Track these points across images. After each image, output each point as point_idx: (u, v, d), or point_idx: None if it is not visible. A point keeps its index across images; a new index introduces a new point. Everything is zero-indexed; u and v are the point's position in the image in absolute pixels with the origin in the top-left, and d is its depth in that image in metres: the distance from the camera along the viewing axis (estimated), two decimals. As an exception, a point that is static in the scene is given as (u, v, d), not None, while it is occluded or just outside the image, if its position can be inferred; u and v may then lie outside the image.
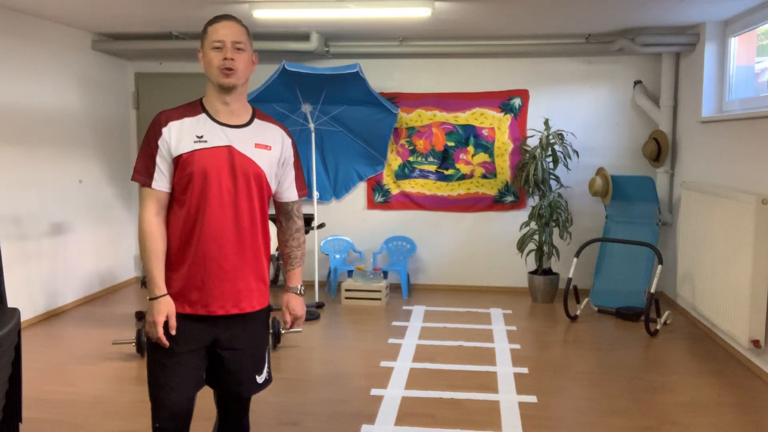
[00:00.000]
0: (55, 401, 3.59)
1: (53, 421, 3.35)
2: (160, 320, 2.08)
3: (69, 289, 5.57)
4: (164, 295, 2.11)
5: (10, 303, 4.88)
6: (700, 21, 5.08)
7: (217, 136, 2.11)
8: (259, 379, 2.28)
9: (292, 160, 2.28)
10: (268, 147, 2.18)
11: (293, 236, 2.33)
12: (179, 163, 2.08)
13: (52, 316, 5.31)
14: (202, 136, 2.09)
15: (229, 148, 2.11)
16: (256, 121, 2.20)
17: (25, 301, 5.03)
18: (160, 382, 2.13)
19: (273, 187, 2.24)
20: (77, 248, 5.66)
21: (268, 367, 2.33)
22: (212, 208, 2.09)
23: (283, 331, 4.75)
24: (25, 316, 5.03)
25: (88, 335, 4.80)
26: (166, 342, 2.09)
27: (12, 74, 4.85)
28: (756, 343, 4.00)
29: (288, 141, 2.26)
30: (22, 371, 3.98)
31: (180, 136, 2.08)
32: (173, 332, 2.11)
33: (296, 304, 2.34)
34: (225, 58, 2.07)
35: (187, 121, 2.11)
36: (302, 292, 2.36)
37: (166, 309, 2.09)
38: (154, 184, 2.09)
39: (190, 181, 2.08)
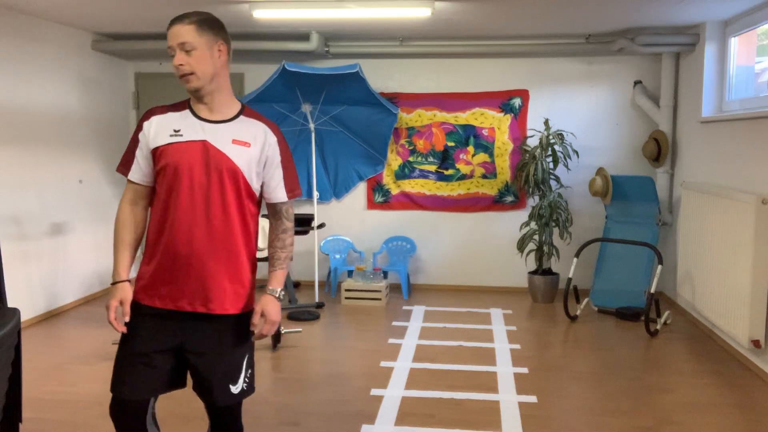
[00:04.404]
0: (55, 401, 3.59)
1: (53, 421, 3.35)
2: (113, 305, 2.10)
3: (69, 289, 5.57)
4: (121, 282, 2.13)
5: (10, 303, 4.88)
6: (700, 21, 5.08)
7: (193, 131, 2.10)
8: (234, 389, 2.16)
9: (277, 159, 2.19)
10: (246, 144, 2.12)
11: (278, 237, 2.24)
12: (155, 156, 2.11)
13: (52, 316, 5.31)
14: (179, 131, 2.10)
15: (204, 143, 2.09)
16: (241, 117, 2.16)
17: (25, 301, 5.03)
18: (120, 377, 2.13)
19: (255, 186, 2.16)
20: (77, 248, 5.66)
21: (248, 378, 2.20)
22: (182, 202, 2.08)
23: (283, 331, 4.74)
24: (25, 316, 5.03)
25: (88, 335, 4.79)
26: (117, 327, 2.10)
27: (12, 74, 4.85)
28: (756, 343, 4.00)
29: (272, 139, 2.17)
30: (22, 371, 3.98)
31: (158, 130, 2.11)
32: (126, 318, 2.12)
33: (272, 309, 2.18)
34: (175, 65, 2.07)
35: (170, 116, 2.14)
36: (281, 296, 2.22)
37: (120, 295, 2.12)
38: (131, 176, 2.15)
39: (164, 174, 2.10)
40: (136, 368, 2.12)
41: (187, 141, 2.09)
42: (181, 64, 2.05)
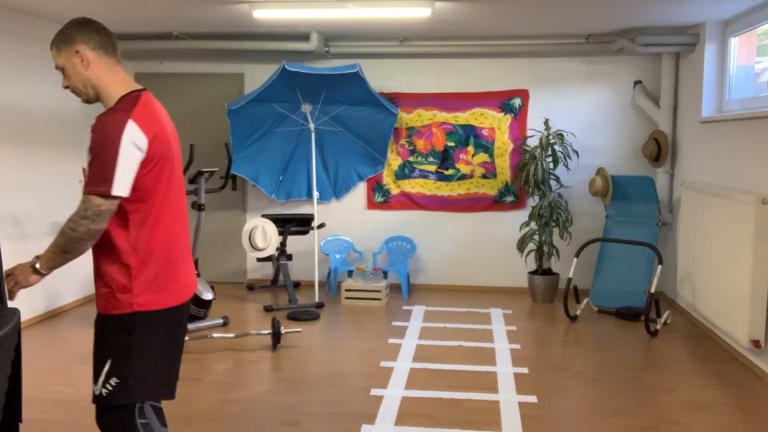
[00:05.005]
0: (55, 401, 3.59)
1: (53, 421, 3.35)
2: None
3: (69, 289, 5.57)
4: None
5: (10, 303, 4.88)
6: (700, 21, 5.08)
7: None
8: (94, 389, 2.10)
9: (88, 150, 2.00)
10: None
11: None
12: None
13: (52, 316, 5.31)
14: None
15: None
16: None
17: (25, 301, 5.03)
18: None
19: None
20: (77, 248, 5.66)
21: (111, 385, 2.07)
22: None
23: (283, 331, 4.75)
24: (25, 316, 5.03)
25: (88, 335, 4.79)
26: None
27: (12, 74, 4.85)
28: (756, 343, 4.00)
29: (90, 128, 2.00)
30: (22, 371, 3.98)
31: None
32: None
33: (17, 266, 2.07)
34: (62, 88, 2.15)
35: None
36: (34, 264, 2.04)
37: None
38: None
39: None
40: None
41: None
42: (65, 86, 2.12)
